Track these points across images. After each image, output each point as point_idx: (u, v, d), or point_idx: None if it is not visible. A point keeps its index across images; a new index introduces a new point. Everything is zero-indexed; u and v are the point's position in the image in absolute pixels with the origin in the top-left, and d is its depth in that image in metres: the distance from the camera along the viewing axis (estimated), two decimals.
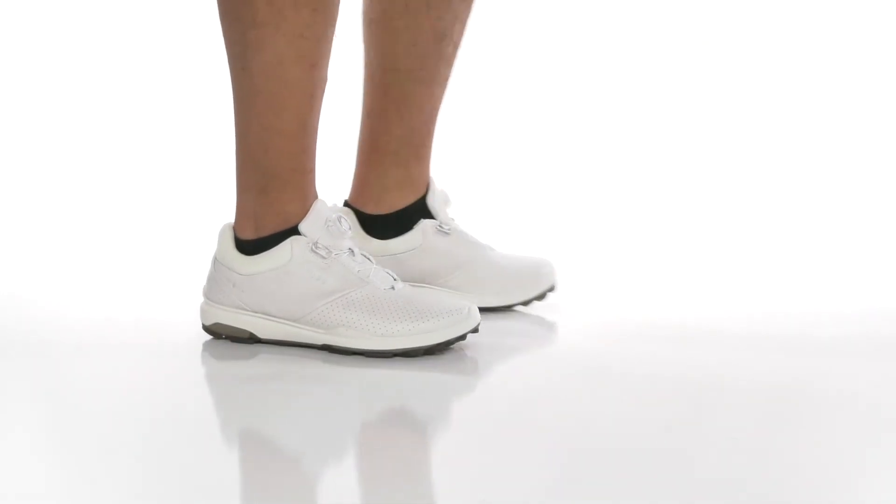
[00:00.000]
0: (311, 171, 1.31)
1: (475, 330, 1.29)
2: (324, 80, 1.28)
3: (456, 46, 1.45)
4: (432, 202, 1.47)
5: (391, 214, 1.46)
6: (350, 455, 1.04)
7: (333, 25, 1.26)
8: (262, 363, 1.27)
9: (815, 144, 2.57)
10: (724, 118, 2.64)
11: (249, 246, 1.30)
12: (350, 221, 1.40)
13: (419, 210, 1.47)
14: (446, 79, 1.46)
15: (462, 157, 2.53)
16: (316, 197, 1.31)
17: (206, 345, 1.33)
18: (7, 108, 2.62)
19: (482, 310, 1.36)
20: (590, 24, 2.74)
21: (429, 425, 1.14)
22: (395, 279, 1.30)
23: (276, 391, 1.19)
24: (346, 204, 1.48)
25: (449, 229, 1.47)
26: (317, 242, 1.28)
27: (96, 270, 1.88)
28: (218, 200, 2.41)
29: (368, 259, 1.31)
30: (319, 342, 1.29)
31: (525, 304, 1.50)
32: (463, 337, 1.28)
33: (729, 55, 2.69)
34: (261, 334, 1.31)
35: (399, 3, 1.41)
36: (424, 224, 1.46)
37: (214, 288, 1.32)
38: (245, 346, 1.31)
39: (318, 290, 1.28)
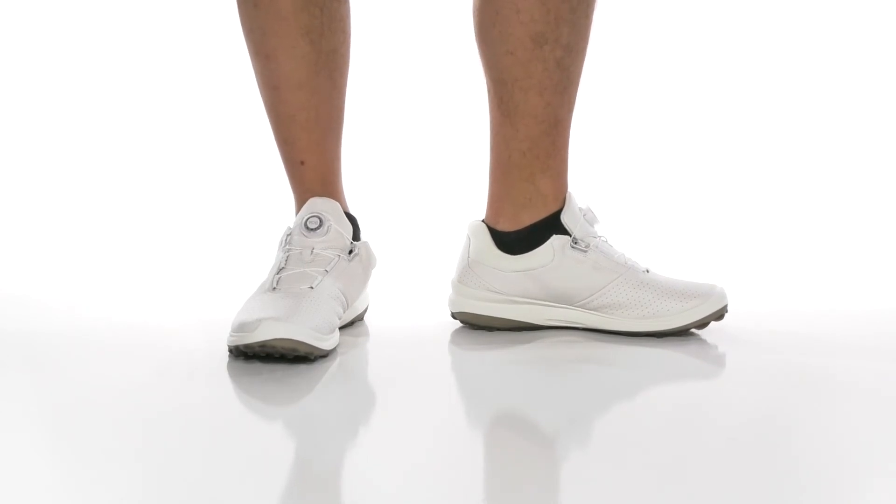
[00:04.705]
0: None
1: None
2: None
3: (569, 50, 1.37)
4: (567, 218, 1.41)
5: (523, 230, 1.42)
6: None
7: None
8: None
9: (839, 151, 2.56)
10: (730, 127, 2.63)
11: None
12: (485, 240, 1.42)
13: (552, 226, 1.42)
14: (566, 86, 1.39)
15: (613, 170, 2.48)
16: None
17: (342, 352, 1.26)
18: (28, 115, 2.62)
19: (630, 334, 1.39)
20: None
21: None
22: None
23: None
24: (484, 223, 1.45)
25: (586, 246, 1.41)
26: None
27: (107, 273, 1.89)
28: (221, 203, 2.41)
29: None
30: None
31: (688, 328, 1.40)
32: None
33: None
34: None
35: (490, 10, 1.37)
36: (555, 240, 1.41)
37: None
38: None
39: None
